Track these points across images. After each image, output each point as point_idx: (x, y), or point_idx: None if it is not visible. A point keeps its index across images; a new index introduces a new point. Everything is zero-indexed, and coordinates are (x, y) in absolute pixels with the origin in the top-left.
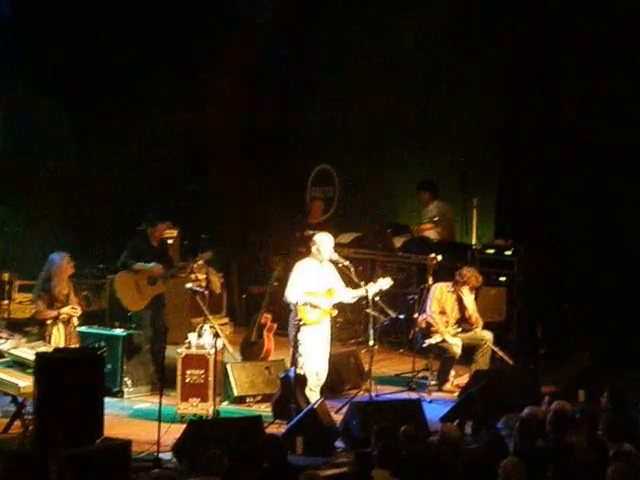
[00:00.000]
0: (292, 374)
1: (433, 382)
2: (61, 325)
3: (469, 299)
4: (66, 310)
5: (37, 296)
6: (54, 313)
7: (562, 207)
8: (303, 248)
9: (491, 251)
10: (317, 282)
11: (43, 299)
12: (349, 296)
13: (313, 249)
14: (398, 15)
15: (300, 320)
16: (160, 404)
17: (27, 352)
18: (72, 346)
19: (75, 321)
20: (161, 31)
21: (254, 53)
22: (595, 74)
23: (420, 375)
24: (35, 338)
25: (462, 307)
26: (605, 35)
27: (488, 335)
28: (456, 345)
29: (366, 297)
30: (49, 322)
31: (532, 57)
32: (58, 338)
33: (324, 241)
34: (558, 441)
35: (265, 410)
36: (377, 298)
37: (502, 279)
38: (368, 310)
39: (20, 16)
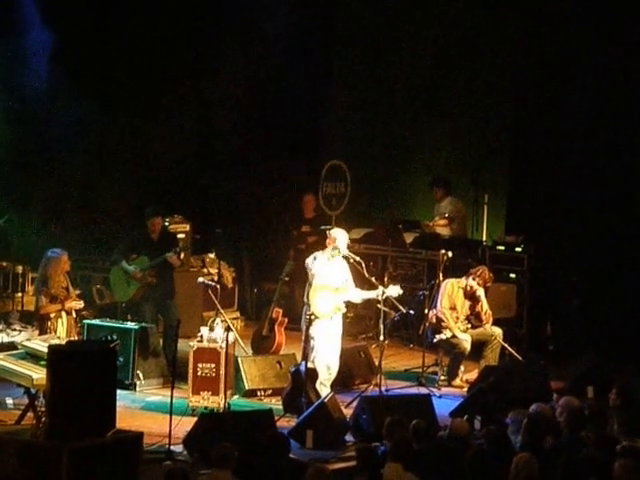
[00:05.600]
0: (303, 368)
1: (443, 377)
2: (65, 317)
3: (482, 295)
4: (71, 303)
5: (39, 291)
6: (58, 307)
7: (573, 204)
8: (303, 245)
9: (501, 248)
10: (327, 276)
11: (45, 293)
12: (358, 297)
13: (330, 243)
14: (411, 10)
15: (312, 314)
16: (172, 397)
17: (40, 344)
18: (73, 338)
19: (74, 313)
20: (180, 25)
21: (267, 46)
22: (610, 70)
23: (430, 370)
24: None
25: (474, 303)
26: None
27: (498, 331)
28: (466, 341)
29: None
30: (53, 315)
31: (546, 52)
32: (62, 330)
33: (341, 236)
34: (572, 437)
35: (276, 404)
36: None
37: (512, 276)
38: (379, 305)
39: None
